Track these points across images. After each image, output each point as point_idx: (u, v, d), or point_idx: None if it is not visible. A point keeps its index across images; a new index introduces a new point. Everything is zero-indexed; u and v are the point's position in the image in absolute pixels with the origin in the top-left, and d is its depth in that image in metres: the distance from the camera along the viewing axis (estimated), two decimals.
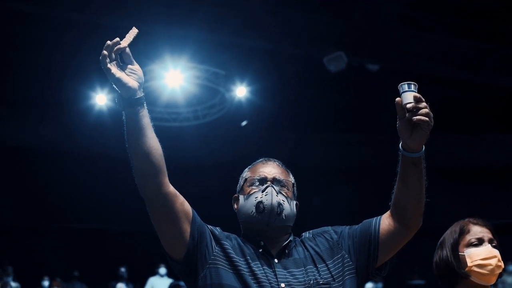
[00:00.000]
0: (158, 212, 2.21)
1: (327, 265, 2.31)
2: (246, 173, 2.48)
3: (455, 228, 2.77)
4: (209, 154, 15.36)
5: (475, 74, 12.77)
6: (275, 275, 2.24)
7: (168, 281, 11.82)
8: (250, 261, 2.26)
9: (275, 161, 2.49)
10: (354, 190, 16.22)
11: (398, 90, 2.16)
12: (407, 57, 12.06)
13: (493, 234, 2.74)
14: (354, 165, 16.45)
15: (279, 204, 2.32)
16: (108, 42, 2.11)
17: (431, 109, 2.13)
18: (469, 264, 2.66)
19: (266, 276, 2.23)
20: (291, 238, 2.38)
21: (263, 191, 2.34)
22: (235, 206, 2.46)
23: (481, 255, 2.66)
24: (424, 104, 2.12)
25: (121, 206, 13.81)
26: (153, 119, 2.19)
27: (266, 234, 2.33)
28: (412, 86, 2.14)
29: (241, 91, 13.85)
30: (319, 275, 2.27)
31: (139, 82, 2.15)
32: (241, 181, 2.47)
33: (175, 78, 13.12)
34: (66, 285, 13.18)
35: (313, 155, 16.20)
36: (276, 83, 13.69)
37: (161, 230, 2.24)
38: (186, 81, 13.37)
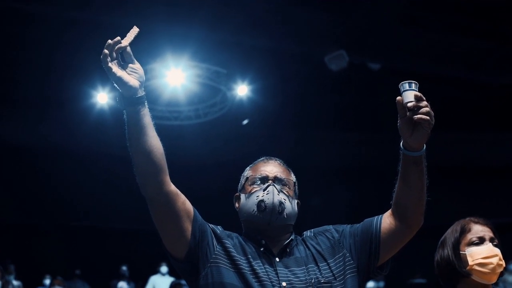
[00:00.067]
0: (159, 211, 2.22)
1: (328, 264, 2.31)
2: (247, 172, 2.48)
3: (456, 227, 2.78)
4: (210, 152, 15.35)
5: (476, 73, 12.77)
6: (277, 274, 2.24)
7: (169, 279, 11.82)
8: (251, 260, 2.27)
9: (276, 160, 2.49)
10: (355, 189, 16.21)
11: (399, 89, 2.16)
12: (408, 56, 12.06)
13: (494, 233, 2.75)
14: (355, 164, 16.44)
15: (281, 203, 2.32)
16: (109, 41, 2.11)
17: (431, 108, 2.13)
18: (470, 263, 2.66)
19: (268, 275, 2.23)
20: (292, 236, 2.38)
21: (264, 190, 2.35)
22: (237, 204, 2.47)
23: (482, 254, 2.66)
24: (425, 103, 2.12)
25: (123, 204, 13.80)
26: (154, 117, 2.20)
27: (268, 233, 2.34)
28: (413, 85, 2.14)
29: (242, 90, 13.85)
30: (321, 274, 2.27)
31: (140, 81, 2.16)
32: (242, 180, 2.48)
33: (176, 76, 13.12)
34: (67, 283, 13.17)
35: (314, 154, 16.18)
36: (278, 81, 13.68)
37: (162, 229, 2.25)
38: (188, 80, 13.36)
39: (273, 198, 2.32)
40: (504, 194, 15.35)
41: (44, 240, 15.50)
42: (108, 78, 2.13)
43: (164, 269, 12.44)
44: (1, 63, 12.59)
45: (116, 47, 2.12)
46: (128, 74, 2.14)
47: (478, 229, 2.73)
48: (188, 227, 2.24)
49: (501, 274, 2.70)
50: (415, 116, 2.11)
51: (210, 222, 2.36)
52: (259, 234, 2.34)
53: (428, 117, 2.11)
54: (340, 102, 14.58)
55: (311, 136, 16.24)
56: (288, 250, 2.34)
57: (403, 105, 2.13)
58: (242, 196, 2.43)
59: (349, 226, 2.43)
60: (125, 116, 2.15)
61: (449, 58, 12.18)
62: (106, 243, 15.76)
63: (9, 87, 13.65)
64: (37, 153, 15.03)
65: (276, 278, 2.23)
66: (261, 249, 2.32)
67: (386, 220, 2.33)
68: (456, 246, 2.72)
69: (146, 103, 2.16)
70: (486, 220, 2.79)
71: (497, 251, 2.68)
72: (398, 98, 2.14)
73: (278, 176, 2.40)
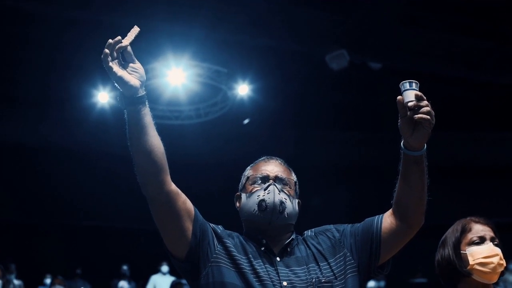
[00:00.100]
0: (160, 210, 2.22)
1: (329, 264, 2.31)
2: (248, 171, 2.48)
3: (456, 227, 2.78)
4: (211, 152, 15.35)
5: (476, 73, 12.77)
6: (277, 273, 2.24)
7: (170, 279, 11.81)
8: (252, 259, 2.26)
9: (277, 159, 2.49)
10: (355, 189, 16.21)
11: (399, 89, 2.16)
12: (408, 56, 12.06)
13: (494, 233, 2.75)
14: (355, 163, 16.44)
15: (281, 202, 2.32)
16: (110, 40, 2.11)
17: (432, 107, 2.13)
18: (471, 262, 2.66)
19: (268, 275, 2.23)
20: (293, 236, 2.38)
21: (265, 189, 2.35)
22: (237, 204, 2.47)
23: (483, 254, 2.66)
24: (425, 102, 2.12)
25: (123, 204, 13.82)
26: (155, 117, 2.20)
27: (268, 233, 2.34)
28: (414, 84, 2.14)
29: (243, 89, 13.84)
30: (321, 274, 2.27)
31: (140, 81, 2.16)
32: (243, 179, 2.48)
33: (177, 76, 13.11)
34: (68, 283, 13.18)
35: (314, 154, 16.18)
36: (278, 81, 13.69)
37: (163, 228, 2.25)
38: (188, 79, 13.36)
39: (274, 198, 2.32)
40: (505, 193, 15.35)
41: (45, 239, 15.51)
42: (108, 77, 2.13)
43: (165, 268, 12.43)
44: (2, 63, 12.60)
45: (117, 46, 2.12)
46: (129, 73, 2.14)
47: (479, 229, 2.73)
48: (189, 226, 2.24)
49: (502, 273, 2.70)
50: (416, 116, 2.11)
51: (210, 221, 2.36)
52: (260, 234, 2.34)
53: (428, 117, 2.11)
54: (340, 101, 14.59)
55: (312, 136, 16.25)
56: (289, 249, 2.34)
57: (404, 104, 2.12)
58: (243, 196, 2.43)
59: (349, 225, 2.43)
60: (125, 116, 2.15)
61: (449, 58, 12.18)
62: (107, 243, 15.76)
63: (9, 86, 13.66)
64: (38, 153, 15.03)
65: (277, 278, 2.23)
66: (262, 248, 2.32)
67: (387, 219, 2.33)
68: (457, 246, 2.72)
69: (147, 103, 2.16)
70: (487, 220, 2.79)
71: (498, 250, 2.68)
72: (399, 97, 2.14)
73: (279, 175, 2.40)
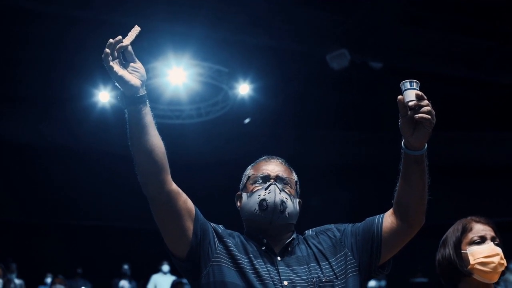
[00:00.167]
0: (161, 210, 2.22)
1: (330, 263, 2.31)
2: (249, 171, 2.48)
3: (457, 226, 2.78)
4: (212, 151, 15.36)
5: (477, 72, 12.78)
6: (278, 273, 2.24)
7: (171, 278, 11.81)
8: (253, 259, 2.26)
9: (278, 159, 2.49)
10: (355, 188, 16.21)
11: (400, 88, 2.16)
12: (408, 56, 12.07)
13: (495, 232, 2.74)
14: (355, 163, 16.44)
15: (282, 202, 2.32)
16: (111, 40, 2.11)
17: (432, 107, 2.13)
18: (471, 262, 2.66)
19: (269, 274, 2.23)
20: (294, 236, 2.38)
21: (266, 189, 2.35)
22: (238, 203, 2.46)
23: (484, 253, 2.66)
24: (426, 102, 2.11)
25: (124, 203, 13.81)
26: (156, 116, 2.19)
27: (269, 232, 2.34)
28: (414, 84, 2.13)
29: (244, 89, 13.84)
30: (322, 273, 2.27)
31: (141, 80, 2.15)
32: (244, 179, 2.48)
33: (178, 75, 13.11)
34: (69, 282, 13.18)
35: (314, 153, 16.18)
36: (279, 80, 13.69)
37: (164, 228, 2.25)
38: (189, 79, 13.36)
39: (274, 197, 2.32)
40: (505, 193, 15.35)
41: (46, 239, 15.52)
42: (109, 77, 2.13)
43: (165, 267, 12.42)
44: (3, 62, 12.60)
45: (118, 46, 2.12)
46: (130, 73, 2.14)
47: (480, 228, 2.73)
48: (190, 226, 2.24)
49: (503, 273, 2.70)
50: (416, 115, 2.10)
51: (211, 221, 2.36)
52: (261, 233, 2.34)
53: (429, 116, 2.10)
54: (340, 101, 14.59)
55: (312, 135, 16.25)
56: (289, 249, 2.34)
57: (404, 104, 2.12)
58: (244, 195, 2.42)
59: (350, 225, 2.43)
60: (126, 115, 2.15)
61: (450, 57, 12.19)
62: (108, 242, 15.77)
63: (10, 85, 13.67)
64: (38, 152, 15.04)
65: (278, 277, 2.23)
66: (263, 248, 2.32)
67: (388, 219, 2.32)
68: (458, 245, 2.71)
69: (147, 102, 2.15)
70: (488, 219, 2.79)
71: (498, 250, 2.68)
72: (399, 97, 2.14)
73: (279, 175, 2.40)
